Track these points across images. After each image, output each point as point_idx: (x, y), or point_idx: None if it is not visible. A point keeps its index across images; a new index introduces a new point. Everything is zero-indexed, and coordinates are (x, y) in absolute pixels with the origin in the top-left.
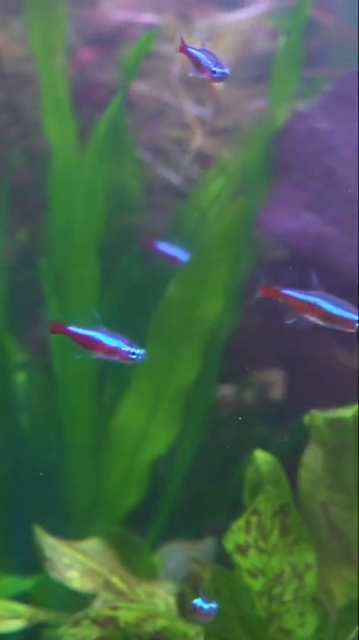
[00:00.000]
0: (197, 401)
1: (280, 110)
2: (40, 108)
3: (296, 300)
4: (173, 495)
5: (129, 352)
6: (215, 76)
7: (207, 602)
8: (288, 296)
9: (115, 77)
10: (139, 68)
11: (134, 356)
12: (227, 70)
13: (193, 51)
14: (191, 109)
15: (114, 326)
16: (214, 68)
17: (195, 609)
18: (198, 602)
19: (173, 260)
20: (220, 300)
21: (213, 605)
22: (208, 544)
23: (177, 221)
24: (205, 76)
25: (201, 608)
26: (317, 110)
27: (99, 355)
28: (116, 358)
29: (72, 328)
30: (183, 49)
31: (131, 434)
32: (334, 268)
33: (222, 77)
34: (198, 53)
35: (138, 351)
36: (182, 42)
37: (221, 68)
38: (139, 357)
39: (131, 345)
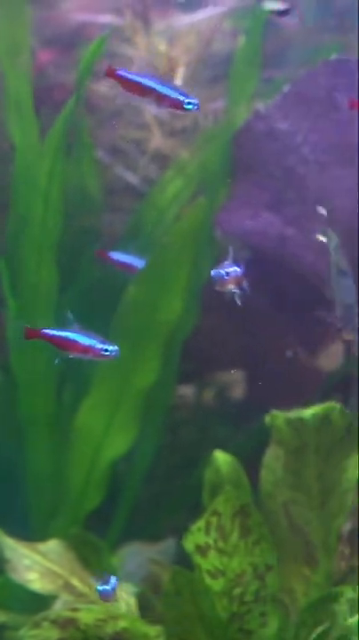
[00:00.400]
0: (157, 401)
1: (239, 110)
2: (3, 108)
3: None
4: (133, 496)
5: (102, 349)
6: (187, 107)
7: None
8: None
9: (75, 78)
10: (96, 68)
11: (107, 353)
12: (195, 101)
13: (129, 75)
14: (150, 110)
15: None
16: (185, 100)
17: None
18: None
19: (128, 267)
20: (180, 301)
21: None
22: (168, 545)
23: (136, 222)
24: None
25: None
26: (276, 110)
27: (74, 354)
28: (90, 356)
29: (46, 331)
30: (111, 74)
31: (91, 434)
32: (294, 267)
33: (194, 108)
34: (137, 77)
35: (111, 348)
36: (109, 67)
37: (187, 97)
38: (113, 354)
39: (103, 342)
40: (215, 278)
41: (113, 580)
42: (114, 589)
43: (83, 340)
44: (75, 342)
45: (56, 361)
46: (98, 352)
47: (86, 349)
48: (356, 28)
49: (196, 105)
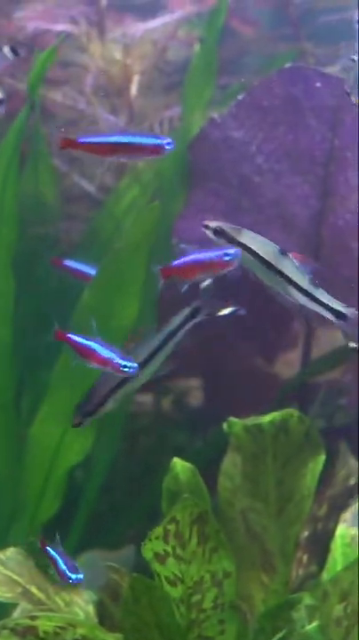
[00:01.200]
0: (114, 409)
1: (195, 118)
2: None
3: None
4: (91, 504)
5: (120, 365)
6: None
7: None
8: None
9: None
10: (52, 76)
11: (126, 369)
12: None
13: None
14: (105, 118)
15: (28, 337)
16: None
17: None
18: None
19: (84, 275)
20: (135, 307)
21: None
22: (127, 552)
23: (92, 230)
24: None
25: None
26: (231, 118)
27: (93, 364)
28: (109, 369)
29: (71, 336)
30: (70, 144)
31: (47, 442)
32: (248, 273)
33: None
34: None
35: (130, 364)
36: (64, 139)
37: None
38: (131, 371)
39: (123, 358)
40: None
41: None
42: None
43: (103, 351)
44: (94, 353)
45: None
46: (116, 367)
47: (105, 362)
48: (311, 36)
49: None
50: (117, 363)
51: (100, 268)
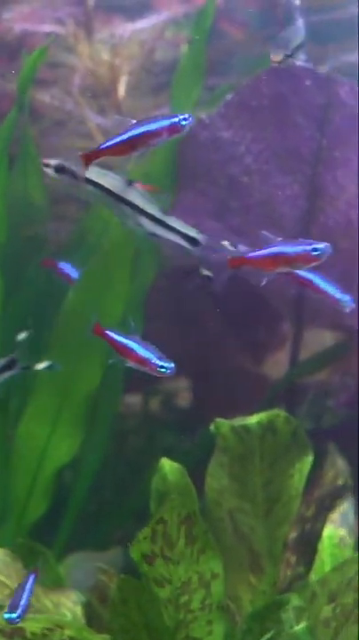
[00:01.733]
0: (102, 410)
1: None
2: None
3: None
4: (79, 505)
5: (158, 365)
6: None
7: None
8: None
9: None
10: (40, 77)
11: (163, 370)
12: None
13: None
14: (93, 119)
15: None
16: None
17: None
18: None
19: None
20: (121, 307)
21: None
22: (115, 553)
23: (81, 231)
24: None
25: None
26: (219, 119)
27: (130, 363)
28: (146, 369)
29: (109, 333)
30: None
31: (34, 443)
32: (237, 275)
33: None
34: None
35: (167, 364)
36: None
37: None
38: (169, 371)
39: (161, 358)
40: None
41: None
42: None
43: (141, 351)
44: (132, 351)
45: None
46: (153, 367)
47: (142, 361)
48: None
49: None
50: (155, 363)
51: (86, 268)
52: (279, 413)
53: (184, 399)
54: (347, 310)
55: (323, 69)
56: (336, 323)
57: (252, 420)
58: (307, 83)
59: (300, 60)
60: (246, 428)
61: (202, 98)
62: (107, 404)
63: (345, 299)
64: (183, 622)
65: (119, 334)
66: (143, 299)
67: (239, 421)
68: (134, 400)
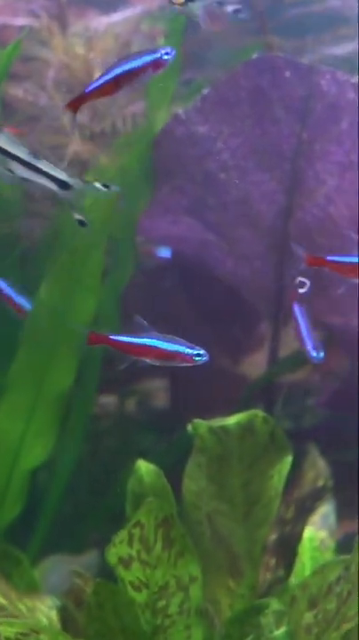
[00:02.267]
0: (76, 410)
1: (159, 114)
2: None
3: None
4: (54, 507)
5: (192, 354)
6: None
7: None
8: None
9: None
10: (13, 71)
11: (199, 358)
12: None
13: None
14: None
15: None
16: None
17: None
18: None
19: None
20: (94, 302)
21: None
22: (91, 557)
23: (55, 228)
24: None
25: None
26: (196, 114)
27: (153, 361)
28: (176, 363)
29: (120, 337)
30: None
31: (7, 442)
32: (214, 273)
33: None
34: None
35: (201, 351)
36: None
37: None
38: (204, 358)
39: (191, 347)
40: None
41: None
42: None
43: (167, 345)
44: (156, 349)
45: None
46: (188, 358)
47: (172, 355)
48: (278, 30)
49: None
50: (189, 354)
51: (57, 262)
52: (257, 413)
53: (160, 399)
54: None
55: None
56: (316, 321)
57: (231, 420)
58: (287, 74)
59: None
60: (225, 429)
61: (177, 92)
62: (81, 403)
63: (318, 356)
64: (161, 627)
65: (130, 335)
66: (119, 295)
67: (217, 422)
68: (109, 400)
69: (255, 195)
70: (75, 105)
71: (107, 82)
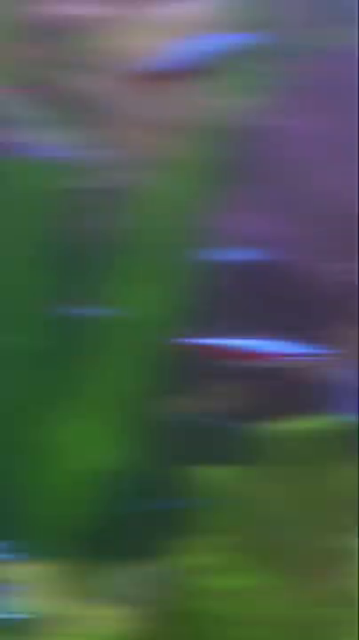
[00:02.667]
0: (146, 413)
1: (236, 104)
2: None
3: None
4: (121, 513)
5: (306, 353)
6: None
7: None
8: None
9: None
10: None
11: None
12: None
13: None
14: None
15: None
16: None
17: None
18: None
19: None
20: (169, 304)
21: None
22: (158, 564)
23: (116, 226)
24: None
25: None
26: (276, 105)
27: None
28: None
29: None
30: None
31: (78, 448)
32: (294, 274)
33: None
34: None
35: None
36: None
37: None
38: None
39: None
40: None
41: None
42: None
43: (270, 346)
44: (259, 352)
45: None
46: (300, 356)
47: (278, 356)
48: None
49: None
50: (300, 352)
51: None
52: (331, 418)
53: (233, 402)
54: None
55: None
56: None
57: (304, 424)
58: None
59: None
60: (297, 433)
61: (258, 82)
62: (151, 407)
63: None
64: None
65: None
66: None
67: (290, 425)
68: (181, 403)
69: (340, 188)
70: (149, 87)
71: (184, 66)
